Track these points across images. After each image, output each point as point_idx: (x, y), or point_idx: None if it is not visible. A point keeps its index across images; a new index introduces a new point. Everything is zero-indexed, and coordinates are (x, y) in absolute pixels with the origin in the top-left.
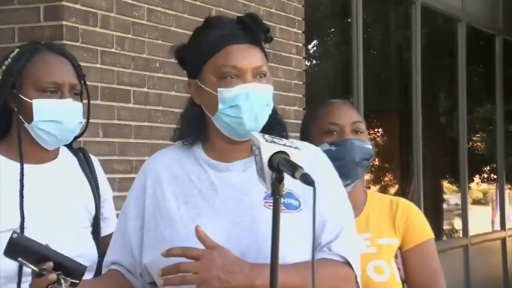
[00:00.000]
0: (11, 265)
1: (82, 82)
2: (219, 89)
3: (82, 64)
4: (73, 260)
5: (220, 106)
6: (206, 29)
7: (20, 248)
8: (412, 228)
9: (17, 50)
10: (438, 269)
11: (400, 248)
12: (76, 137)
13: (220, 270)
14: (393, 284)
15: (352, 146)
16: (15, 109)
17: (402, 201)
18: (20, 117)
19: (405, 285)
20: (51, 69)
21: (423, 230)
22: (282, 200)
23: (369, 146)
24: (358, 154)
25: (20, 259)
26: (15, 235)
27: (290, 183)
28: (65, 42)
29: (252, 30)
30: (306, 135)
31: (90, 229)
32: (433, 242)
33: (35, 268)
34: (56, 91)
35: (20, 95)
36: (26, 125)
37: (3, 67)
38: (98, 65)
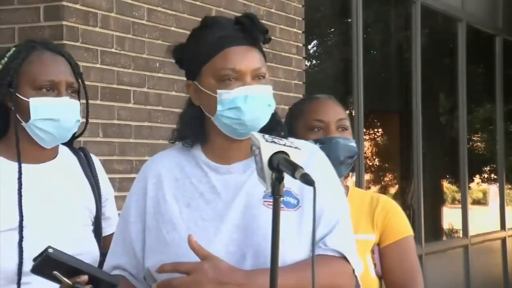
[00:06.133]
0: (11, 265)
1: (80, 80)
2: (218, 91)
3: (82, 64)
4: (105, 273)
5: (219, 107)
6: (204, 30)
7: (53, 262)
8: (391, 225)
9: (14, 49)
10: (416, 266)
11: (378, 244)
12: (75, 137)
13: (212, 283)
14: (366, 279)
15: (337, 145)
16: (12, 108)
17: (383, 197)
18: (17, 116)
19: (382, 281)
20: (48, 68)
21: (402, 227)
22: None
23: (353, 144)
24: (342, 152)
25: (55, 272)
26: (51, 250)
27: (288, 181)
28: (65, 42)
29: (251, 31)
30: (290, 131)
31: (92, 227)
32: (412, 239)
33: (68, 282)
34: (52, 89)
35: (17, 94)
36: (23, 124)
37: (0, 66)
38: (98, 65)
